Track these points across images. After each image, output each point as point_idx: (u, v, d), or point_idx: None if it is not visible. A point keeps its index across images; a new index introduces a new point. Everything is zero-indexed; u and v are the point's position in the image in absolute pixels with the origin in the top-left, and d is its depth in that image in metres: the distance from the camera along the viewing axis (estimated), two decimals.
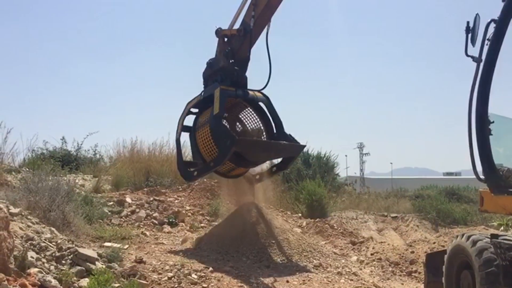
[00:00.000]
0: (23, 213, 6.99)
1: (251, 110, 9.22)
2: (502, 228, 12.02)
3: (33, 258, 5.64)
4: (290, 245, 8.93)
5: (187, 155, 10.18)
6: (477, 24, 5.09)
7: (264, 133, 9.10)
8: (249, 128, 9.33)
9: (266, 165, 9.69)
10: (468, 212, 14.65)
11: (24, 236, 6.15)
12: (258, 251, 8.52)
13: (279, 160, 9.63)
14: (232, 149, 7.98)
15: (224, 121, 8.98)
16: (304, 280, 7.64)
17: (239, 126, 9.43)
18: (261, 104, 9.09)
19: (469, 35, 5.12)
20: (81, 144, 15.87)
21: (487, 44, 5.16)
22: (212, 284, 6.87)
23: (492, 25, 5.15)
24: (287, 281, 7.49)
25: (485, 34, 5.15)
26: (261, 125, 9.16)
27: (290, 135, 8.91)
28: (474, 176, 5.43)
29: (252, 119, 9.30)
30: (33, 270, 5.37)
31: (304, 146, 9.24)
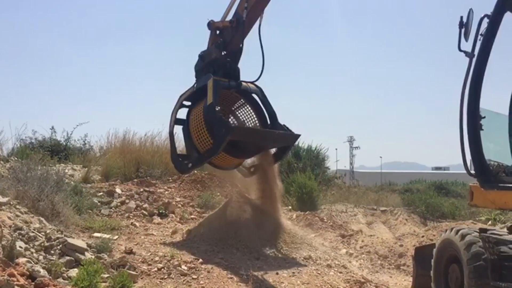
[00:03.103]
0: (11, 203, 6.92)
1: (244, 102, 9.18)
2: (490, 222, 12.17)
3: (21, 248, 5.60)
4: (280, 237, 8.95)
5: (181, 148, 10.11)
6: (470, 19, 5.11)
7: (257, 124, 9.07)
8: (242, 120, 9.28)
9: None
10: (456, 206, 14.79)
11: (13, 225, 6.10)
12: (248, 243, 8.52)
13: (274, 151, 9.57)
14: (227, 137, 7.92)
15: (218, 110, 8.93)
16: (293, 272, 7.67)
17: (233, 119, 9.38)
18: (254, 95, 9.06)
19: (462, 30, 5.14)
20: (71, 134, 15.75)
21: (480, 40, 5.18)
22: (202, 276, 6.87)
23: (485, 21, 5.17)
24: (277, 273, 7.52)
25: (478, 29, 5.17)
26: (255, 116, 9.13)
27: (284, 125, 8.90)
28: (462, 171, 5.48)
29: (245, 111, 9.26)
30: (21, 260, 5.33)
31: (299, 135, 9.18)
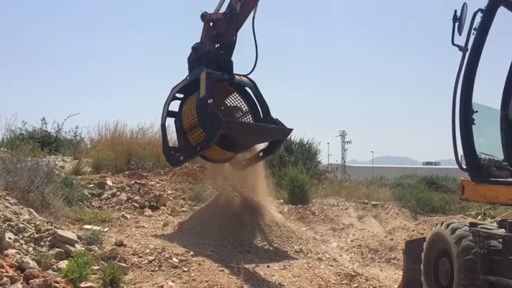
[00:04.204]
0: (1, 194, 6.87)
1: (237, 95, 9.14)
2: (479, 217, 12.27)
3: (11, 239, 5.56)
4: (271, 230, 8.96)
5: (173, 141, 10.07)
6: (464, 13, 5.11)
7: (249, 116, 9.06)
8: (234, 113, 9.25)
9: (252, 150, 9.57)
10: (447, 201, 14.86)
11: (2, 217, 6.05)
12: (239, 236, 8.53)
13: (266, 144, 9.56)
14: (219, 131, 7.88)
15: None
16: (284, 265, 7.69)
17: (225, 112, 9.33)
18: (247, 89, 9.01)
19: (456, 24, 5.14)
20: (62, 126, 15.61)
21: (473, 34, 5.19)
22: (193, 268, 6.86)
23: (479, 15, 5.18)
24: (268, 266, 7.53)
25: (472, 24, 5.18)
26: (247, 109, 9.09)
27: (277, 119, 8.87)
28: (453, 166, 5.50)
29: (238, 104, 9.22)
30: (11, 251, 5.29)
31: (292, 129, 9.18)
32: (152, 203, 10.38)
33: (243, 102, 9.16)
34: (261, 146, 9.60)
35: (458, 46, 5.22)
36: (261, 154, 9.33)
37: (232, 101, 9.28)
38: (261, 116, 8.95)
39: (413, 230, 10.83)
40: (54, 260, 5.70)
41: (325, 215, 11.91)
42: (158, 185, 11.37)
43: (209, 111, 8.05)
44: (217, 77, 8.42)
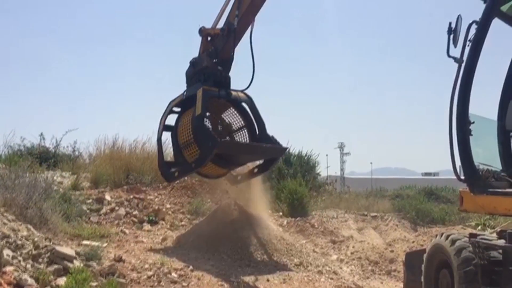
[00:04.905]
0: None
1: (234, 110, 9.17)
2: (479, 227, 12.22)
3: (8, 256, 5.53)
4: (270, 243, 8.93)
5: (170, 155, 10.06)
6: (459, 25, 5.16)
7: (246, 132, 9.08)
8: (231, 125, 9.28)
9: (247, 166, 9.60)
10: (446, 212, 14.82)
11: (0, 233, 6.01)
12: (239, 250, 8.50)
13: (261, 160, 9.56)
14: (213, 151, 7.91)
15: (207, 120, 8.89)
16: (284, 279, 7.65)
17: (221, 128, 9.36)
18: (244, 105, 9.03)
19: (451, 36, 5.19)
20: (60, 141, 15.60)
21: (468, 45, 5.23)
22: (192, 283, 6.83)
23: (474, 26, 5.23)
24: (268, 280, 7.49)
25: (467, 35, 5.23)
26: (244, 125, 9.11)
27: (272, 136, 8.88)
28: (452, 177, 5.50)
29: (235, 120, 9.25)
30: (8, 269, 5.26)
31: (286, 148, 9.24)
32: (151, 218, 10.34)
33: (240, 118, 9.19)
34: (257, 161, 9.61)
35: (453, 57, 5.27)
36: (255, 170, 9.35)
37: (229, 117, 9.31)
38: (257, 132, 8.97)
39: (413, 242, 10.80)
40: (52, 276, 5.67)
41: (325, 227, 11.87)
42: (156, 199, 11.35)
43: (205, 130, 8.10)
44: (213, 94, 8.45)
